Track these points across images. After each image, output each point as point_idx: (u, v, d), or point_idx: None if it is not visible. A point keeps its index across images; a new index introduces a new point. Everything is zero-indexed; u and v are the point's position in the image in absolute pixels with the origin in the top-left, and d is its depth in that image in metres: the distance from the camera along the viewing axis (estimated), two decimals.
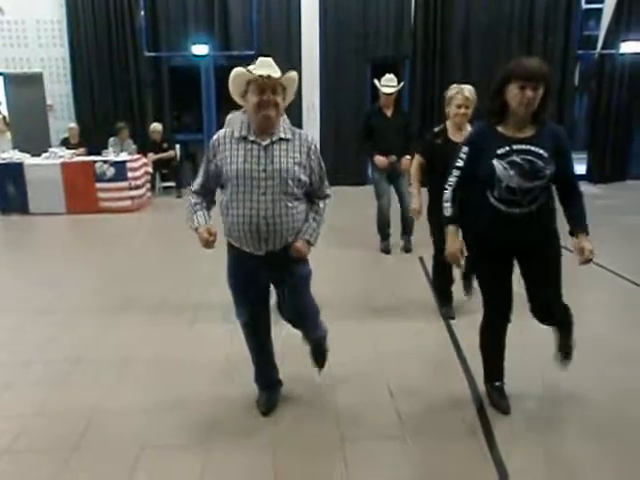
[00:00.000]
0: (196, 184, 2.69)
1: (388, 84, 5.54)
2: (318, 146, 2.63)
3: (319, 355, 3.00)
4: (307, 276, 2.75)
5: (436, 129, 4.08)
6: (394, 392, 3.05)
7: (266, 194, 2.48)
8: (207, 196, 2.69)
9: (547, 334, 3.19)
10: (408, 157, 5.49)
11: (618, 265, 5.28)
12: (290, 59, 9.87)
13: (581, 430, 2.70)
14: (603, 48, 10.12)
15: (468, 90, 3.84)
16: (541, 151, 2.51)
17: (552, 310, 2.76)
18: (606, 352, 3.54)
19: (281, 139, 2.53)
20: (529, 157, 2.50)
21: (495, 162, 2.52)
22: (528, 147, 2.52)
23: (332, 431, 2.70)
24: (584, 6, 10.12)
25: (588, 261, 2.60)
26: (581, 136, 11.71)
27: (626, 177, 10.48)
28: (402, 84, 5.64)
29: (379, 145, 5.64)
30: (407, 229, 5.89)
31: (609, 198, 8.97)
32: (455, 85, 3.95)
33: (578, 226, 2.62)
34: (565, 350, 2.92)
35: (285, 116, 2.63)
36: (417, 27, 9.87)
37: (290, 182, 2.51)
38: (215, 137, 2.60)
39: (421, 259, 5.52)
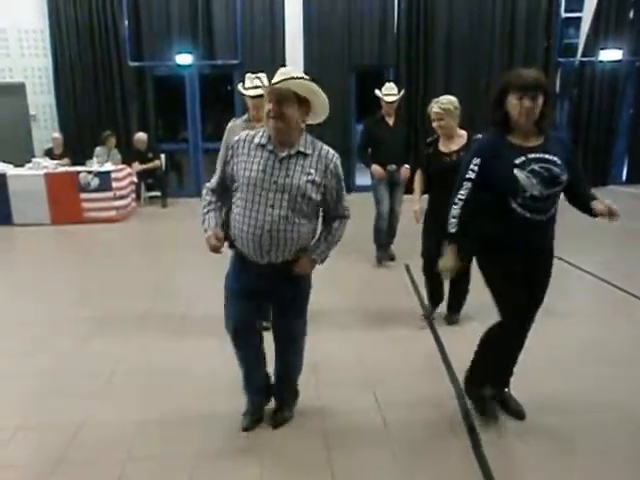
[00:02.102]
0: (213, 181, 2.66)
1: (389, 92, 5.60)
2: (339, 162, 2.56)
3: (289, 393, 2.91)
4: (304, 293, 2.69)
5: (428, 140, 4.16)
6: (381, 401, 3.06)
7: (274, 207, 2.43)
8: (223, 195, 2.62)
9: (532, 338, 3.22)
10: (407, 166, 5.54)
11: (596, 267, 5.37)
12: (274, 68, 9.80)
13: (569, 436, 2.72)
14: (583, 56, 10.30)
15: (441, 103, 3.87)
16: (555, 158, 2.55)
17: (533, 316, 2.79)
18: (591, 356, 3.58)
19: (299, 153, 2.47)
20: (547, 165, 2.54)
21: (517, 172, 2.53)
22: (542, 155, 2.55)
23: (319, 441, 2.70)
24: (563, 15, 10.30)
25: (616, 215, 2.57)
26: None
27: (607, 182, 10.65)
28: (402, 92, 5.67)
29: (380, 154, 5.65)
30: (391, 238, 5.94)
31: None
32: (435, 99, 4.00)
33: (594, 198, 2.63)
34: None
35: (303, 129, 2.52)
36: (400, 36, 9.97)
37: (299, 199, 2.45)
38: (236, 138, 2.56)
39: (407, 267, 5.55)
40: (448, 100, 3.88)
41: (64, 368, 3.54)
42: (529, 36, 10.07)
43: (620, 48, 10.06)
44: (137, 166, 9.38)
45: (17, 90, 9.88)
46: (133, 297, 4.92)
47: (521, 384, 2.98)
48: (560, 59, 10.36)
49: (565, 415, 2.89)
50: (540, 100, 2.49)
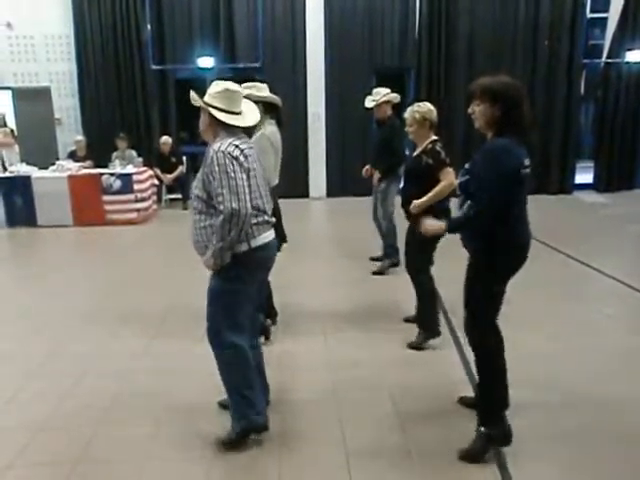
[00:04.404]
0: None
1: (373, 98, 5.63)
2: (215, 155, 2.49)
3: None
4: (212, 290, 2.66)
5: None
6: (398, 406, 3.02)
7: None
8: None
9: (549, 346, 3.15)
10: (377, 174, 5.64)
11: (625, 274, 5.24)
12: (295, 70, 9.93)
13: (589, 439, 2.66)
14: (608, 57, 10.11)
15: (412, 111, 3.87)
16: (468, 164, 2.59)
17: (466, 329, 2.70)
18: (614, 362, 3.50)
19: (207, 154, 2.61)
20: (463, 169, 2.63)
21: None
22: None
23: (337, 449, 2.67)
24: (589, 15, 10.13)
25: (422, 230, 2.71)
26: (587, 145, 11.67)
27: (633, 186, 10.40)
28: (386, 96, 5.59)
29: None
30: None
31: (616, 207, 8.92)
32: (416, 104, 4.03)
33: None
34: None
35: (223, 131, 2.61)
36: (422, 38, 9.90)
37: (192, 195, 2.67)
38: None
39: None
40: (420, 110, 3.86)
41: (84, 368, 3.57)
42: (553, 37, 9.89)
43: None
44: (168, 177, 9.59)
45: (43, 94, 10.06)
46: (153, 298, 4.95)
47: (541, 388, 2.92)
48: (585, 60, 10.19)
49: (583, 417, 2.82)
50: (483, 107, 2.48)
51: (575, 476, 2.45)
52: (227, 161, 2.49)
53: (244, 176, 2.52)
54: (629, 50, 9.88)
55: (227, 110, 2.61)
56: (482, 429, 2.58)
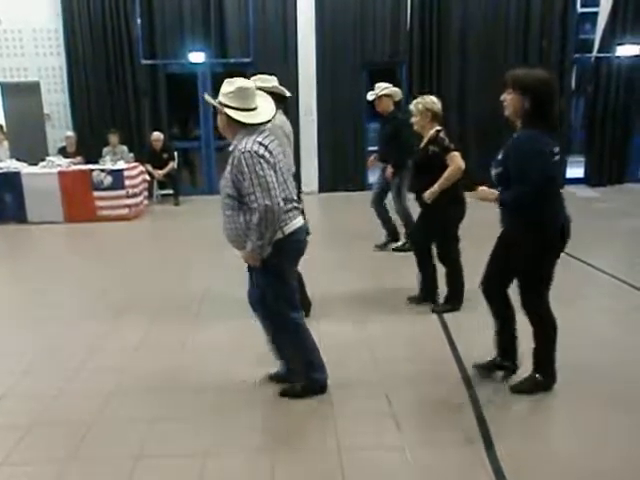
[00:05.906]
0: None
1: (374, 92, 5.72)
2: (242, 156, 2.62)
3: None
4: (264, 286, 2.88)
5: None
6: (392, 398, 3.02)
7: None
8: None
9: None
10: (389, 168, 5.73)
11: (615, 268, 5.27)
12: (287, 64, 9.89)
13: (582, 434, 2.68)
14: (599, 51, 10.14)
15: (416, 102, 4.14)
16: (501, 150, 2.72)
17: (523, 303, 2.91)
18: (606, 355, 3.52)
19: (230, 152, 2.71)
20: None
21: None
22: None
23: (330, 440, 2.67)
24: (579, 10, 10.15)
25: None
26: (578, 139, 11.72)
27: (624, 180, 10.48)
28: (386, 90, 5.68)
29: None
30: (389, 235, 6.16)
31: (607, 201, 8.97)
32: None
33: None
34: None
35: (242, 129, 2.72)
36: (413, 32, 9.87)
37: (222, 192, 2.78)
38: None
39: None
40: (423, 101, 4.12)
41: (77, 364, 3.55)
42: (544, 32, 9.92)
43: (638, 43, 9.89)
44: (160, 173, 9.53)
45: (32, 89, 9.94)
46: (145, 293, 4.92)
47: None
48: (576, 55, 10.21)
49: (575, 411, 2.84)
50: (513, 96, 2.61)
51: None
52: (255, 161, 2.62)
53: (272, 172, 2.65)
54: (620, 44, 9.92)
55: (242, 108, 2.70)
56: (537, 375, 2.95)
